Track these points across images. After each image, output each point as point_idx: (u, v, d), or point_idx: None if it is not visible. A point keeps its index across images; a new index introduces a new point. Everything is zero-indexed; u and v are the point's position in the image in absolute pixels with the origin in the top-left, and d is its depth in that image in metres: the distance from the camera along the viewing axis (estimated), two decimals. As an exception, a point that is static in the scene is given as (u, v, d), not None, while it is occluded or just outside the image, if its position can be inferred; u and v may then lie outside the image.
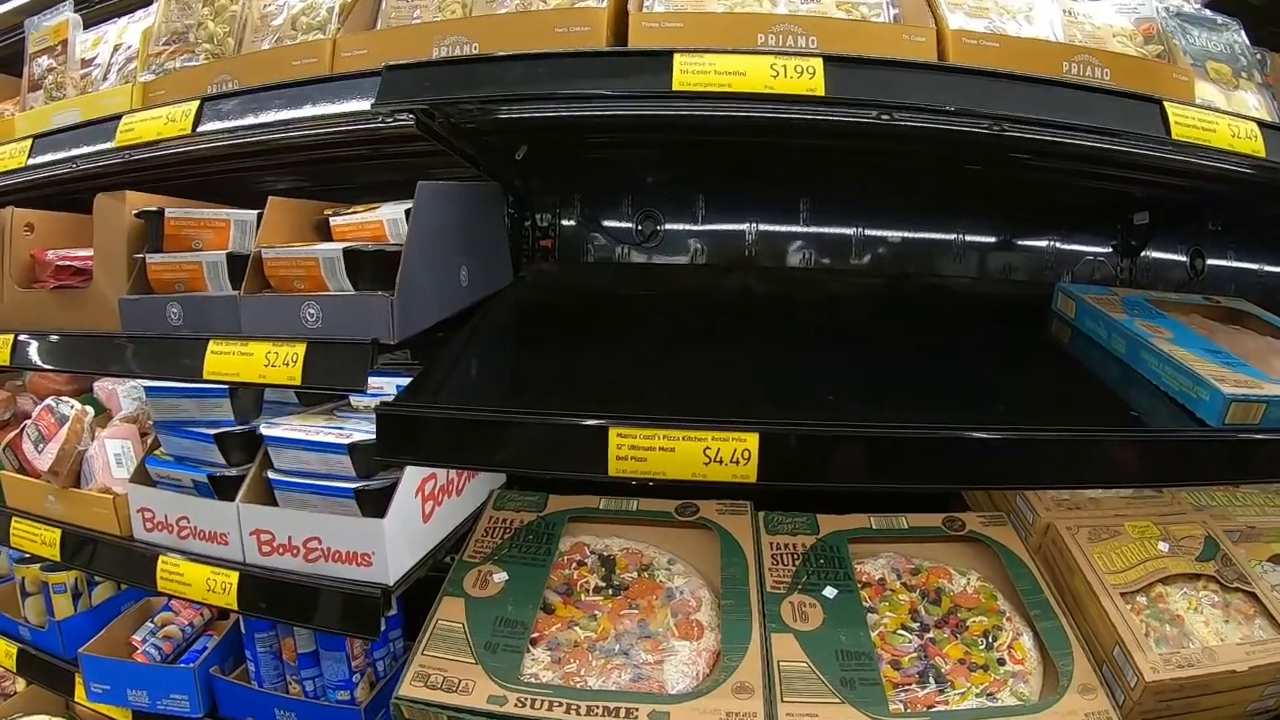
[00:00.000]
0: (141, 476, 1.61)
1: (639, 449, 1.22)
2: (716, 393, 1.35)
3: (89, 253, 1.68)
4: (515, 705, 1.34)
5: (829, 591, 1.55)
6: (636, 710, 1.32)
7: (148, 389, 1.59)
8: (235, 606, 1.46)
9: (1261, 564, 1.65)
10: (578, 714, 1.32)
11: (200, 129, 1.49)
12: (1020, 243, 1.96)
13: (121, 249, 1.59)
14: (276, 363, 1.34)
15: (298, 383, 1.33)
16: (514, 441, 1.26)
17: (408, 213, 1.38)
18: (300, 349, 1.33)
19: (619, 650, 1.45)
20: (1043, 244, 1.96)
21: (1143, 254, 1.96)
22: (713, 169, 1.92)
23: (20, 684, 2.44)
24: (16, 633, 1.94)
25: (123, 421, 1.82)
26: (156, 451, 1.63)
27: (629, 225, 1.95)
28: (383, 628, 1.47)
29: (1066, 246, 1.97)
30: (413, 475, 1.46)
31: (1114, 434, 1.26)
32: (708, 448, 1.20)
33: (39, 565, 1.90)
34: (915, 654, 1.48)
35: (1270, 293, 1.96)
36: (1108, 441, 1.25)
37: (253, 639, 1.60)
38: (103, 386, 1.97)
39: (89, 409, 1.80)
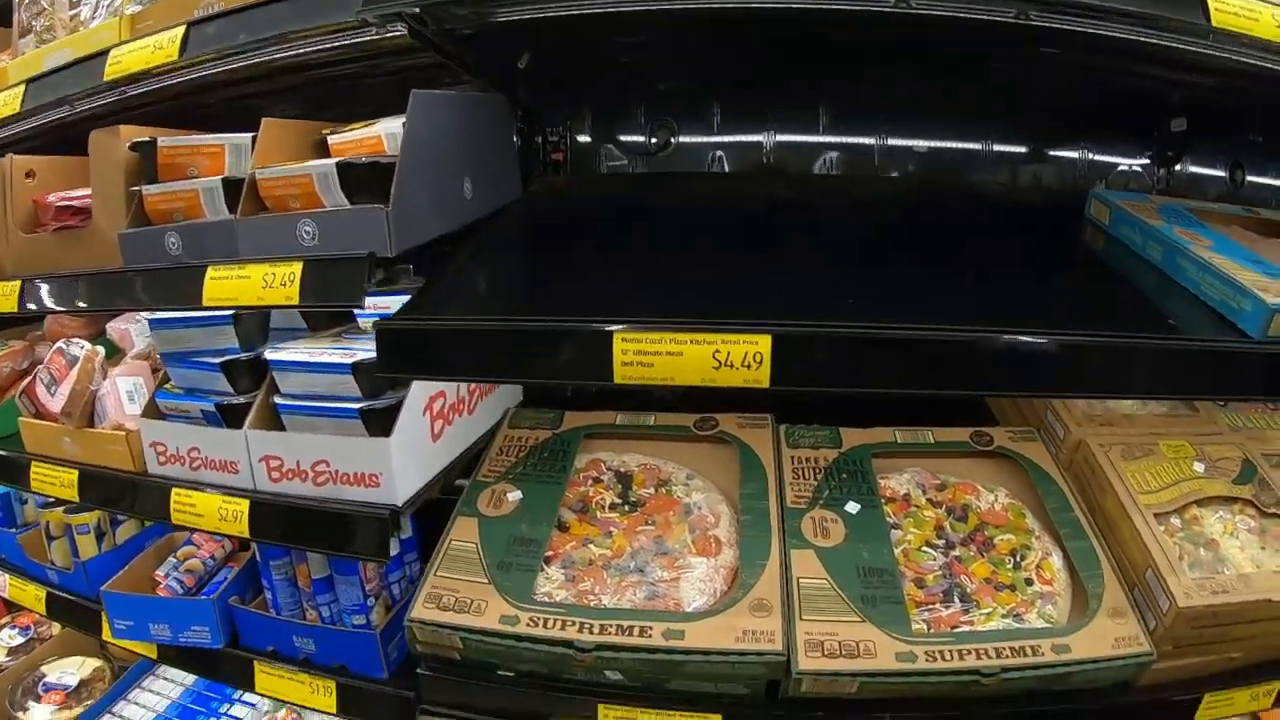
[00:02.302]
0: (152, 411, 1.53)
1: (645, 354, 1.10)
2: (730, 298, 1.22)
3: (88, 192, 1.59)
4: (528, 624, 1.25)
5: (851, 507, 1.44)
6: (651, 628, 1.23)
7: (152, 322, 1.50)
8: (247, 534, 1.38)
9: (1300, 490, 1.50)
10: (591, 633, 1.23)
11: (188, 55, 1.39)
12: (1051, 153, 1.78)
13: (119, 184, 1.48)
14: (274, 283, 1.24)
15: (295, 302, 1.22)
16: (514, 350, 1.15)
17: (406, 126, 1.26)
18: (297, 268, 1.22)
19: (634, 568, 1.36)
20: (1074, 155, 1.78)
21: (1179, 167, 1.77)
22: (728, 77, 1.75)
23: (56, 628, 2.44)
24: (45, 577, 1.90)
25: (134, 359, 1.74)
26: (166, 385, 1.55)
27: (642, 138, 1.80)
28: (395, 550, 1.39)
29: (1099, 157, 1.78)
30: (419, 393, 1.36)
31: (1150, 341, 1.11)
32: (717, 351, 1.08)
33: (62, 508, 1.85)
34: (940, 572, 1.36)
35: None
36: (1143, 348, 1.10)
37: (268, 567, 1.53)
38: (115, 327, 1.89)
39: (99, 349, 1.72)
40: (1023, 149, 1.78)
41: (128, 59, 1.43)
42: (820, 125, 1.76)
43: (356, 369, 1.32)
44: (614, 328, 1.10)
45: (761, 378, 1.09)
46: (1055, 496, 1.48)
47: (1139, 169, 1.78)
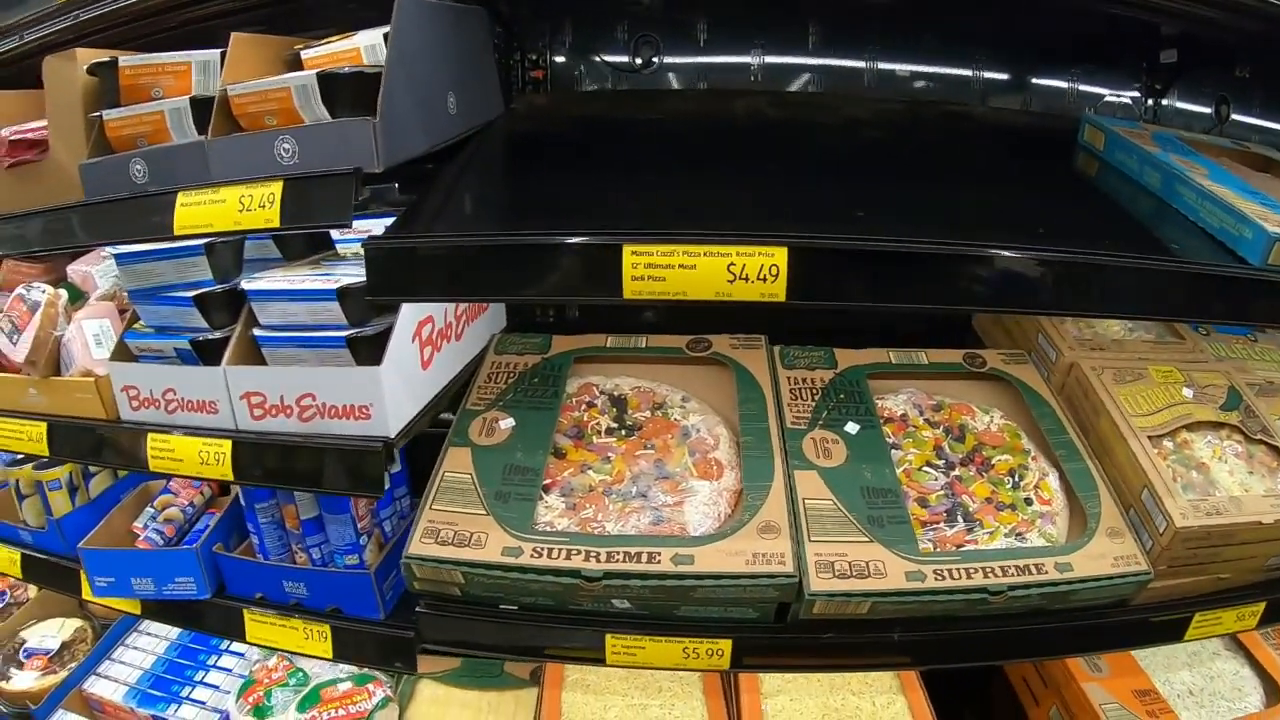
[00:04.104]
0: (122, 353, 1.36)
1: (656, 267, 1.00)
2: (737, 212, 1.13)
3: (44, 123, 1.41)
4: (531, 555, 1.16)
5: (851, 427, 1.36)
6: (659, 554, 1.15)
7: (118, 257, 1.33)
8: (231, 477, 1.25)
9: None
10: (598, 560, 1.15)
11: None
12: (1039, 81, 1.69)
13: (77, 112, 1.32)
14: (252, 206, 1.10)
15: (276, 225, 1.08)
16: (516, 267, 1.03)
17: (386, 37, 1.11)
18: (277, 188, 1.08)
19: (636, 493, 1.27)
20: (1064, 85, 1.69)
21: (1165, 102, 1.70)
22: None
23: (33, 591, 2.26)
24: (18, 537, 1.72)
25: (99, 300, 1.55)
26: (135, 325, 1.38)
27: (624, 58, 1.66)
28: (387, 485, 1.27)
29: (1088, 88, 1.69)
30: (409, 318, 1.23)
31: (1155, 262, 1.05)
32: (732, 264, 0.99)
33: (31, 465, 1.68)
34: (942, 491, 1.31)
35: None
36: (1147, 270, 1.05)
37: (253, 510, 1.40)
38: (77, 270, 1.69)
39: (62, 292, 1.53)
40: (1010, 77, 1.69)
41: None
42: (810, 44, 1.64)
43: (342, 295, 1.19)
44: (624, 240, 0.99)
45: (778, 291, 1.00)
46: (1049, 418, 1.42)
47: (1128, 101, 1.70)
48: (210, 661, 2.02)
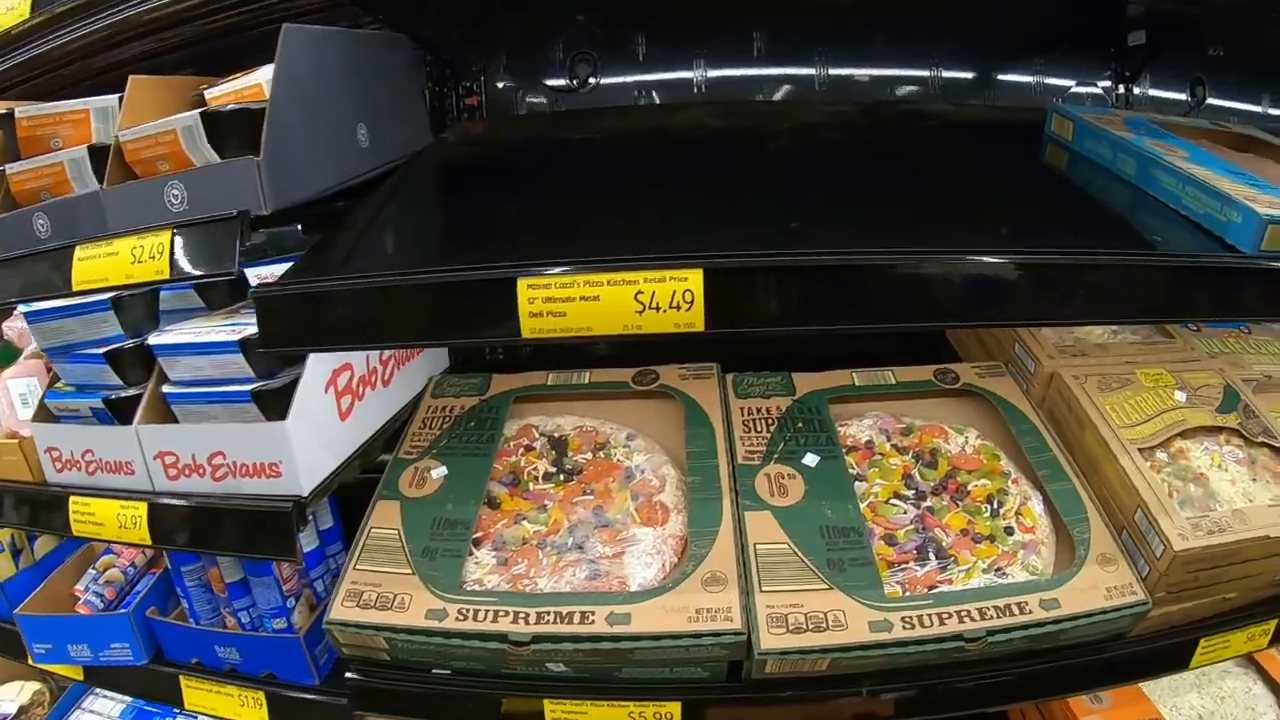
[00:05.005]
0: (43, 414, 1.29)
1: (555, 301, 0.88)
2: (658, 234, 1.01)
3: None
4: (456, 619, 1.04)
5: (810, 459, 1.23)
6: (593, 613, 1.02)
7: (28, 315, 1.25)
8: (149, 542, 1.16)
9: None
10: (526, 622, 1.02)
11: (40, 11, 1.20)
12: (1003, 77, 1.55)
13: None
14: (143, 257, 1.02)
15: (166, 276, 1.00)
16: (406, 309, 0.93)
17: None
18: (166, 237, 1.00)
19: (572, 544, 1.14)
20: (1029, 79, 1.55)
21: (1138, 89, 1.55)
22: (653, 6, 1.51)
23: None
24: None
25: (28, 359, 1.48)
26: (56, 384, 1.30)
27: (562, 80, 1.55)
28: (313, 544, 1.17)
29: (1054, 81, 1.55)
30: (319, 368, 1.12)
31: (1133, 259, 0.92)
32: (639, 292, 0.86)
33: None
34: (911, 526, 1.16)
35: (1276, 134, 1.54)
36: (1127, 267, 0.91)
37: (179, 573, 1.31)
38: (11, 326, 1.62)
39: None
40: (971, 74, 1.55)
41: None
42: (755, 49, 1.52)
43: (245, 345, 1.09)
44: (518, 274, 0.87)
45: (695, 320, 0.87)
46: (1030, 435, 1.28)
47: (1099, 91, 1.56)
48: (169, 723, 1.91)
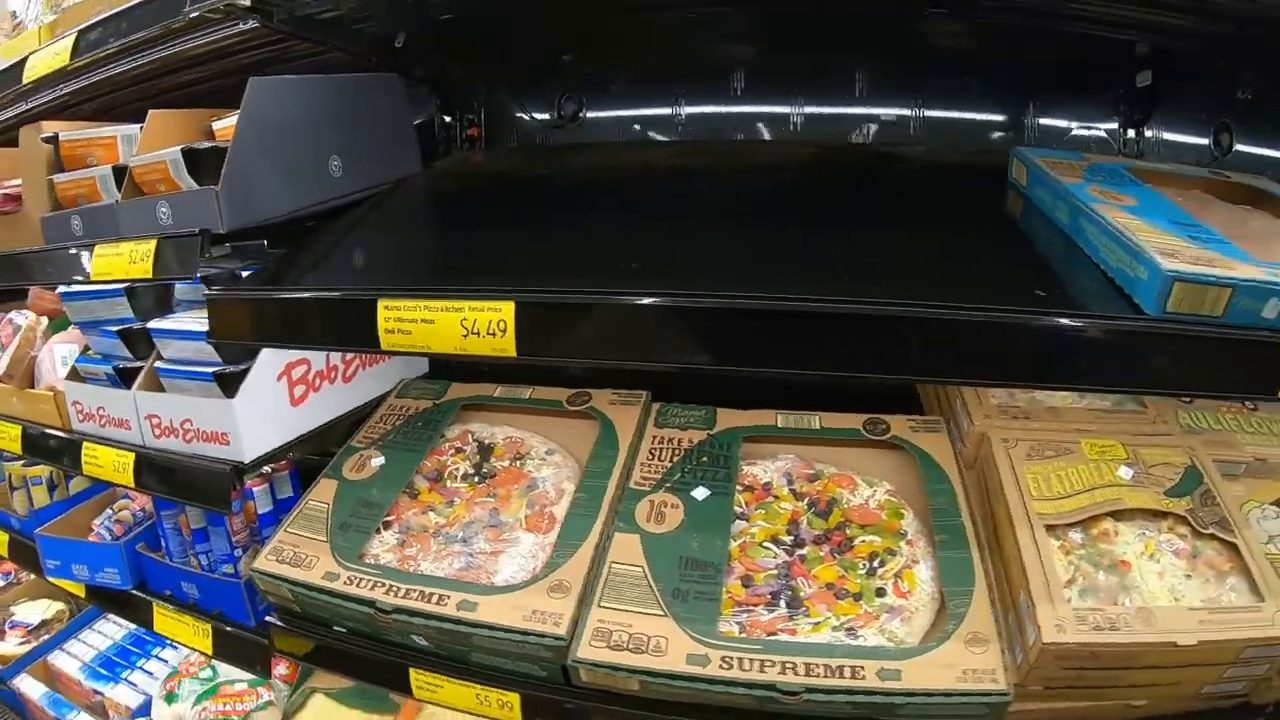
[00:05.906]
0: (74, 374, 1.59)
1: (405, 321, 1.00)
2: (533, 264, 1.09)
3: (20, 181, 1.68)
4: (344, 583, 1.19)
5: (699, 492, 1.25)
6: (448, 597, 1.13)
7: (63, 295, 1.57)
8: (133, 484, 1.42)
9: (1263, 507, 1.15)
10: (395, 595, 1.15)
11: (78, 60, 1.42)
12: (993, 118, 1.44)
13: (41, 173, 1.55)
14: (137, 259, 1.26)
15: (150, 277, 1.24)
16: (302, 318, 1.10)
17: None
18: (152, 245, 1.24)
19: (460, 537, 1.25)
20: (1025, 120, 1.43)
21: (1150, 133, 1.37)
22: (637, 45, 1.57)
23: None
24: (9, 523, 1.98)
25: (74, 328, 1.81)
26: (86, 351, 1.61)
27: (549, 115, 1.65)
28: (268, 508, 1.43)
29: (1051, 122, 1.42)
30: (272, 359, 1.34)
31: (992, 314, 0.85)
32: (465, 319, 0.97)
33: (21, 461, 1.91)
34: (775, 571, 1.15)
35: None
36: (984, 323, 0.85)
37: (160, 516, 1.57)
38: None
39: (43, 319, 1.82)
40: (960, 114, 1.46)
41: (38, 64, 1.50)
42: (734, 89, 1.53)
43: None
44: (379, 296, 1.01)
45: (508, 346, 0.96)
46: (942, 497, 1.21)
47: (1103, 133, 1.41)
48: (154, 652, 2.26)
